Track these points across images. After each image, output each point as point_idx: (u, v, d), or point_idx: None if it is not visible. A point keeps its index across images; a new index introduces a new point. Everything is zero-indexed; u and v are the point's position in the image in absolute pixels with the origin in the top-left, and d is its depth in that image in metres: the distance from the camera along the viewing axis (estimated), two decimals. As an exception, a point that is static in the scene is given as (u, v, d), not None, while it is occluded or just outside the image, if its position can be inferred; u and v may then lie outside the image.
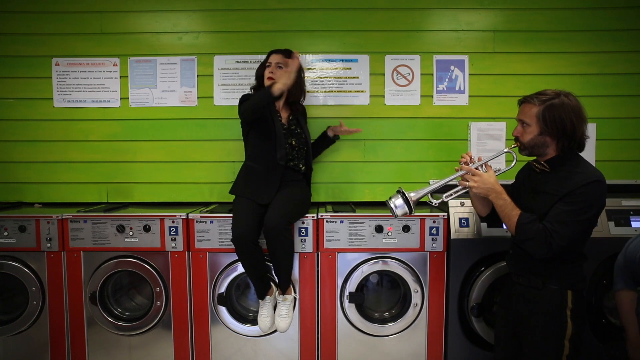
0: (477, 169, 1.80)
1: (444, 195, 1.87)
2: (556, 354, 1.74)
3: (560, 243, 1.64)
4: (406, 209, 1.83)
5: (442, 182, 1.86)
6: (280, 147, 2.31)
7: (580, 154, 1.77)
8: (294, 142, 2.41)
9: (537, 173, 1.83)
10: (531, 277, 1.79)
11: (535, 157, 1.84)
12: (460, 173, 1.81)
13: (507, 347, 1.91)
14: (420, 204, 2.77)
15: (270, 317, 2.29)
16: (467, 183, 1.78)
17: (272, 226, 2.15)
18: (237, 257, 2.35)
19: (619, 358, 2.32)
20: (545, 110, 1.69)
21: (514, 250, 1.89)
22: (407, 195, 1.82)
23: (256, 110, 2.23)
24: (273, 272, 2.34)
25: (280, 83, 2.18)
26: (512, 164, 1.86)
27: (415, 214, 2.38)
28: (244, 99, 2.37)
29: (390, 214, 1.88)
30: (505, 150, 1.86)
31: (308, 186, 2.54)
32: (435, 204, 1.89)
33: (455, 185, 1.87)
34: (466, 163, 1.82)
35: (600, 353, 2.35)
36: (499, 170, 1.84)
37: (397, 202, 1.83)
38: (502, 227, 2.30)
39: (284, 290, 2.30)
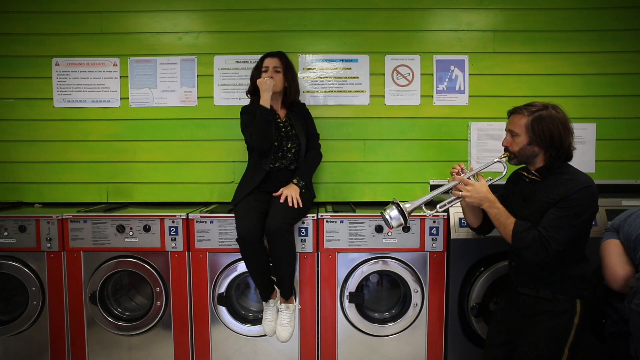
0: (469, 179, 1.83)
1: (438, 206, 1.90)
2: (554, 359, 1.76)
3: (556, 248, 1.67)
4: (401, 220, 1.82)
5: (435, 192, 1.87)
6: (268, 155, 2.37)
7: (571, 160, 1.81)
8: (289, 145, 2.41)
9: (527, 182, 1.86)
10: (540, 288, 1.80)
11: (524, 166, 1.88)
12: (453, 184, 1.84)
13: (497, 352, 1.92)
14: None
15: (275, 320, 2.29)
16: (460, 193, 1.81)
17: (275, 228, 2.15)
18: (236, 258, 2.36)
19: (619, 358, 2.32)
20: (534, 121, 1.74)
21: (516, 262, 1.89)
22: (401, 206, 1.82)
23: (266, 133, 2.27)
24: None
25: (266, 93, 2.27)
26: (503, 174, 1.91)
27: (415, 214, 2.38)
28: (243, 111, 2.44)
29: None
30: (496, 160, 1.89)
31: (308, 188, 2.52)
32: (430, 214, 1.93)
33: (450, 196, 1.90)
34: (458, 173, 1.85)
35: (600, 353, 2.35)
36: (490, 179, 1.88)
37: (392, 213, 1.83)
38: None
39: (286, 298, 2.29)
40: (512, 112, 1.82)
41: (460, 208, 2.12)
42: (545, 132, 1.72)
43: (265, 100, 2.27)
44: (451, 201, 1.89)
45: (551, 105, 1.76)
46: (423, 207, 1.87)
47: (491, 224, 2.00)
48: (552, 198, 1.72)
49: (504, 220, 1.74)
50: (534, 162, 1.81)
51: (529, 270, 1.83)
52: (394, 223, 1.83)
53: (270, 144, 2.33)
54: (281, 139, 2.40)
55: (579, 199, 1.68)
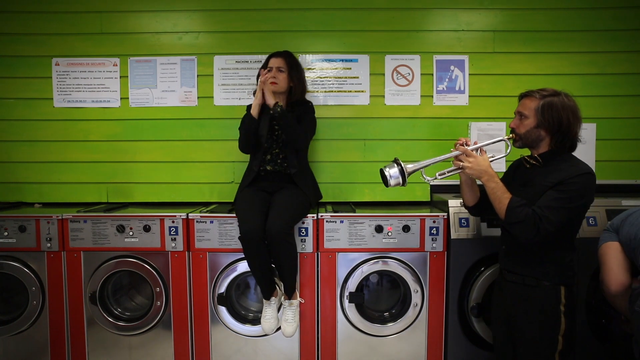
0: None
1: (437, 173, 1.87)
2: (550, 351, 1.77)
3: (548, 228, 1.66)
4: (400, 180, 1.80)
5: (437, 159, 1.85)
6: (257, 157, 2.40)
7: (573, 153, 1.82)
8: (277, 150, 2.41)
9: (527, 168, 1.87)
10: (525, 274, 1.80)
11: (526, 152, 1.88)
12: (455, 153, 1.82)
13: (505, 350, 1.92)
14: (421, 203, 2.81)
15: (274, 318, 2.29)
16: (462, 163, 1.79)
17: (275, 231, 2.14)
18: (237, 258, 2.36)
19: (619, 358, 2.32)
20: (544, 105, 1.75)
21: (507, 245, 1.90)
22: (403, 165, 1.79)
23: (246, 141, 2.36)
24: (278, 277, 2.33)
25: (256, 100, 2.30)
26: (507, 152, 1.89)
27: (415, 214, 2.39)
28: (247, 110, 2.42)
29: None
30: (501, 138, 1.89)
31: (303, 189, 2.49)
32: (428, 180, 1.87)
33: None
34: (462, 145, 1.83)
35: (600, 353, 2.35)
36: (493, 156, 1.86)
37: (392, 171, 1.79)
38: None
39: (289, 295, 2.29)
40: (524, 96, 1.83)
41: (459, 207, 2.12)
42: (554, 117, 1.73)
43: (254, 107, 2.31)
44: (451, 171, 1.86)
45: (563, 93, 1.77)
46: (422, 173, 1.85)
47: (486, 204, 2.00)
48: (550, 181, 1.72)
49: (500, 195, 1.74)
50: (539, 147, 1.81)
51: (518, 254, 1.83)
52: (392, 182, 1.80)
53: (249, 151, 2.43)
54: (271, 142, 2.40)
55: (577, 183, 1.68)
